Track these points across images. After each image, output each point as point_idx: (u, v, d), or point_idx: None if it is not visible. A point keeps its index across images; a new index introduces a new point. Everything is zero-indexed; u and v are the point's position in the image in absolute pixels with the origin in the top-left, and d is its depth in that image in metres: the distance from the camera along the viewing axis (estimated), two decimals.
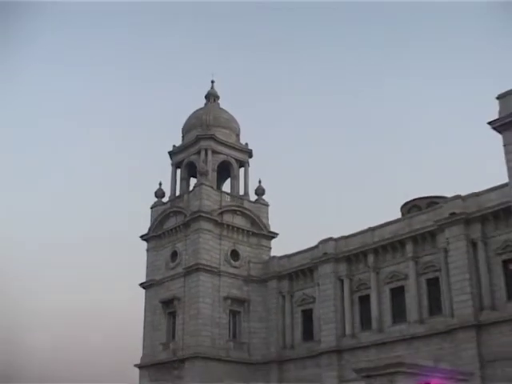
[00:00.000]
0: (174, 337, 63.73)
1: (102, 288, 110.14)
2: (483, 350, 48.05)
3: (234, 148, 71.33)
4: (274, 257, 67.84)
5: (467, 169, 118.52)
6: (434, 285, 53.83)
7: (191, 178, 71.60)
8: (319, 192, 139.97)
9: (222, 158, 70.11)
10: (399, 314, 55.79)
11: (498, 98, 42.60)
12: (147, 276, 68.20)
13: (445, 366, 35.60)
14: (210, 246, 64.13)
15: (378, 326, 56.50)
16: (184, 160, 70.91)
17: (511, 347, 46.02)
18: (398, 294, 56.26)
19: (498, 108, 42.98)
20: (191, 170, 70.87)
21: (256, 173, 73.21)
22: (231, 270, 65.12)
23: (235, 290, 64.88)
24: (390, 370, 30.79)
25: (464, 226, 51.30)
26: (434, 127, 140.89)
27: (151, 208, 70.46)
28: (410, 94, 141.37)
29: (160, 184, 71.31)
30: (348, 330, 58.46)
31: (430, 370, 32.50)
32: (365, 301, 58.31)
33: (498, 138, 42.63)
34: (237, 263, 65.73)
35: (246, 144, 72.78)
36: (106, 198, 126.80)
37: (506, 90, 42.73)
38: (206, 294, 62.41)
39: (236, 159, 71.33)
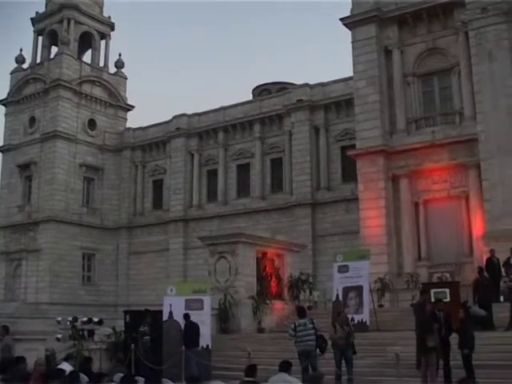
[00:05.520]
0: (29, 200, 61.63)
1: None
2: (316, 225, 49.80)
3: (96, 20, 67.24)
4: (129, 128, 66.19)
5: (320, 60, 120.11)
6: (277, 164, 54.52)
7: (52, 47, 67.09)
8: (177, 70, 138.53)
9: (84, 28, 66.02)
10: (244, 189, 56.45)
11: None
12: (4, 140, 64.79)
13: (281, 238, 36.50)
14: (68, 115, 61.39)
15: (223, 198, 57.08)
16: (46, 28, 66.27)
17: (341, 225, 47.67)
18: (243, 170, 56.70)
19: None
20: (53, 39, 66.40)
21: (118, 46, 70.90)
22: (87, 139, 62.85)
23: (90, 157, 62.94)
24: (231, 239, 31.23)
25: (309, 112, 51.83)
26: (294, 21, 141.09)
27: (11, 73, 66.01)
28: None
29: (21, 50, 66.61)
30: (195, 201, 58.78)
31: (267, 241, 33.30)
32: (213, 175, 58.48)
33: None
34: (93, 132, 63.45)
35: (109, 17, 68.91)
36: None
37: None
38: (62, 160, 60.27)
39: (98, 31, 67.47)
